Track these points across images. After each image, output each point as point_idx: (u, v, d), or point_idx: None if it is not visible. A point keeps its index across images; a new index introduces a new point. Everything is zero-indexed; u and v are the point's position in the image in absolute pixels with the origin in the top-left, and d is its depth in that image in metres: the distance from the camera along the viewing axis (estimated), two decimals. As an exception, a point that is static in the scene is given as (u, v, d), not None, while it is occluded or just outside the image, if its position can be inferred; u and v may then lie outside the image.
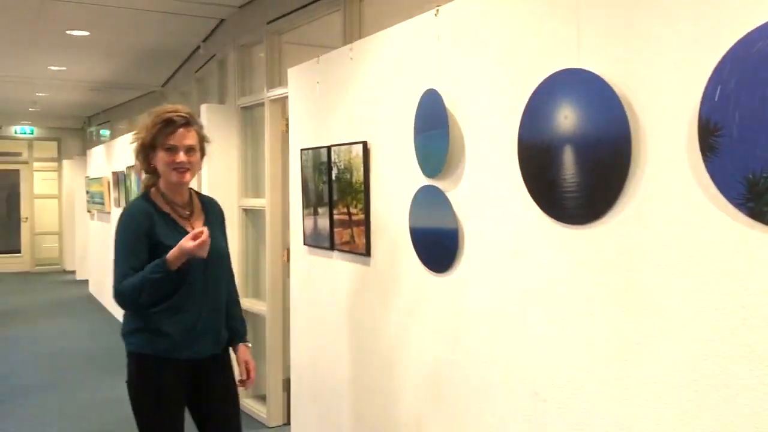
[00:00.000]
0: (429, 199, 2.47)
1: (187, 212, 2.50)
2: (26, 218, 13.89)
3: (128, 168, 7.45)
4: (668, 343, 1.64)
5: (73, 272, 12.84)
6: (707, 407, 1.56)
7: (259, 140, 4.96)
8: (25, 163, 14.00)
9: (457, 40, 2.35)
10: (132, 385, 2.43)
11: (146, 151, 2.43)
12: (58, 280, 12.70)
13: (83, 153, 12.15)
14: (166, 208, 2.45)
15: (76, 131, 14.12)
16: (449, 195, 2.37)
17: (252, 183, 5.27)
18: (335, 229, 3.15)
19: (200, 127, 2.50)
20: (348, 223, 3.04)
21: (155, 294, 2.33)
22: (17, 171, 13.94)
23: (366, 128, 2.92)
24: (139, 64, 7.68)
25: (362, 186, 2.91)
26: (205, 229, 2.30)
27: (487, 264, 2.23)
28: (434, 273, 2.48)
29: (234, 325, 2.65)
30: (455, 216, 2.34)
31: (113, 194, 8.50)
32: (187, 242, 2.27)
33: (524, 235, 2.06)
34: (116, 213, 8.31)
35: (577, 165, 1.85)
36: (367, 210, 2.90)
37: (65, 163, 13.58)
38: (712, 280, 1.54)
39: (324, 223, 3.24)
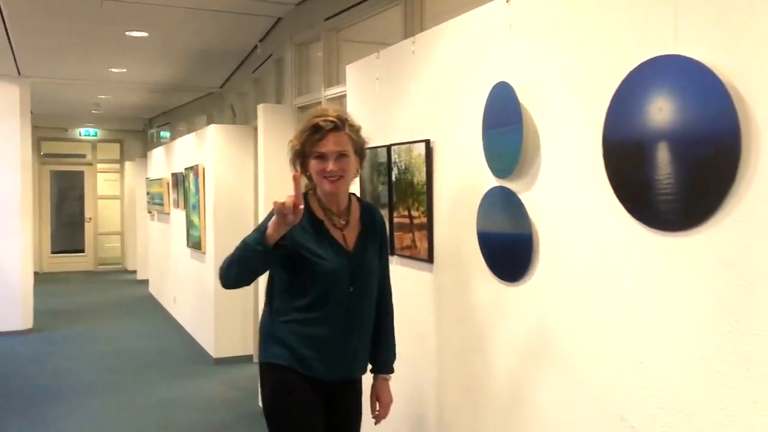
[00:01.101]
0: (500, 202, 2.28)
1: (342, 221, 2.33)
2: (90, 218, 14.22)
3: (186, 169, 7.46)
4: (787, 370, 1.42)
5: (134, 272, 13.07)
6: (838, 448, 1.33)
7: (316, 140, 4.84)
8: (89, 164, 14.34)
9: (531, 28, 2.15)
10: (264, 396, 2.32)
11: (300, 158, 2.30)
12: (120, 280, 12.95)
13: (144, 155, 12.35)
14: (319, 213, 2.30)
15: (137, 133, 14.40)
16: (522, 197, 2.17)
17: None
18: (395, 233, 2.98)
19: (354, 129, 2.30)
20: (409, 227, 2.87)
21: (248, 259, 2.12)
22: (81, 172, 14.27)
23: (429, 126, 2.74)
24: (197, 64, 7.70)
25: (424, 187, 2.73)
26: (296, 174, 2.07)
27: (565, 274, 2.02)
28: (505, 282, 2.28)
29: (378, 352, 2.45)
30: (529, 220, 2.14)
31: (172, 195, 8.54)
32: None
33: (610, 243, 1.85)
34: (175, 214, 8.36)
35: (674, 164, 1.63)
36: (429, 213, 2.72)
37: (127, 164, 13.89)
38: None
39: (384, 226, 3.08)
